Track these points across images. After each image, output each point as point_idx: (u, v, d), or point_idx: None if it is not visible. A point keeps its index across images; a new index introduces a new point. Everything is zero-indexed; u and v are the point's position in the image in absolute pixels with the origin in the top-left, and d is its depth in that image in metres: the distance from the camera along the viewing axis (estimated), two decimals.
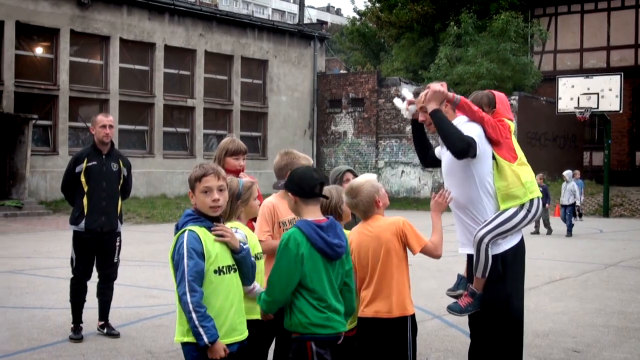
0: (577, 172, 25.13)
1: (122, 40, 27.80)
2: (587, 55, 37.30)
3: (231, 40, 31.61)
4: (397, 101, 5.20)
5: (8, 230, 19.29)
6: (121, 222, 7.79)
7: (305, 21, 38.90)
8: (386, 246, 4.46)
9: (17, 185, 24.14)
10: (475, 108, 4.79)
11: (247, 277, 4.09)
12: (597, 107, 26.20)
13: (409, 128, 32.45)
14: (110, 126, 7.61)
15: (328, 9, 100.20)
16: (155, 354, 6.85)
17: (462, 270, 5.12)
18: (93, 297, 7.66)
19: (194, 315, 3.74)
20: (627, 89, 31.14)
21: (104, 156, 7.60)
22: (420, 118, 5.01)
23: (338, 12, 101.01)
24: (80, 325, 7.42)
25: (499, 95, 5.12)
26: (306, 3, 41.19)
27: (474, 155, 4.69)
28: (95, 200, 7.48)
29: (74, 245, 7.56)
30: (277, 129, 33.64)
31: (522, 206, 4.81)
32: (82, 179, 7.50)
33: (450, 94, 4.75)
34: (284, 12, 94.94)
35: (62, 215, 22.08)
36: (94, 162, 7.53)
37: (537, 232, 19.85)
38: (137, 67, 28.71)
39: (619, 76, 26.55)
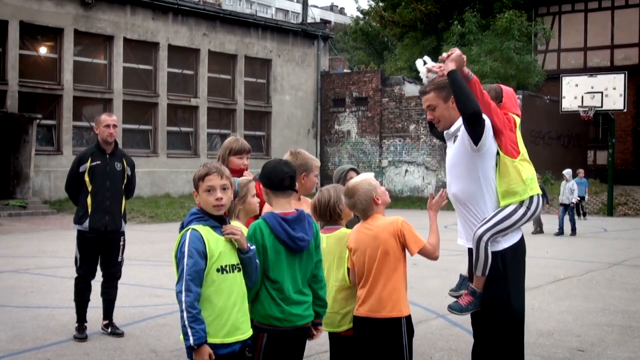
0: (581, 171, 25.14)
1: (125, 39, 27.83)
2: (591, 54, 37.25)
3: (235, 40, 31.62)
4: (419, 63, 5.15)
5: (12, 229, 19.33)
6: (125, 222, 7.80)
7: (309, 20, 38.90)
8: (383, 246, 4.44)
9: (22, 185, 24.19)
10: (485, 92, 4.77)
11: (250, 277, 4.09)
12: (601, 106, 26.15)
13: (412, 127, 32.56)
14: (114, 126, 7.62)
15: (331, 8, 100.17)
16: (160, 353, 6.86)
17: (465, 270, 5.11)
18: (97, 296, 7.67)
19: (185, 315, 3.76)
20: (631, 87, 31.10)
21: (107, 156, 7.61)
22: (430, 79, 4.99)
23: (341, 11, 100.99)
24: (85, 324, 7.43)
25: (507, 89, 5.07)
26: (310, 2, 41.18)
27: (478, 137, 4.63)
28: (99, 200, 7.50)
29: (78, 245, 7.58)
30: (280, 128, 33.65)
31: (521, 203, 4.77)
32: (86, 179, 7.51)
33: (466, 69, 4.74)
34: (287, 11, 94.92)
35: (66, 214, 22.12)
36: (97, 162, 7.54)
37: (541, 231, 19.80)
38: (141, 66, 28.74)
39: (623, 75, 26.49)
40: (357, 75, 35.41)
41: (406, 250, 4.51)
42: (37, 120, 24.18)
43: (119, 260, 7.72)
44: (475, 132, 4.64)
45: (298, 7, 74.38)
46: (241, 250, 4.00)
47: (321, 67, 35.45)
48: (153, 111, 29.06)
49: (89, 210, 7.48)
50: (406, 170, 32.89)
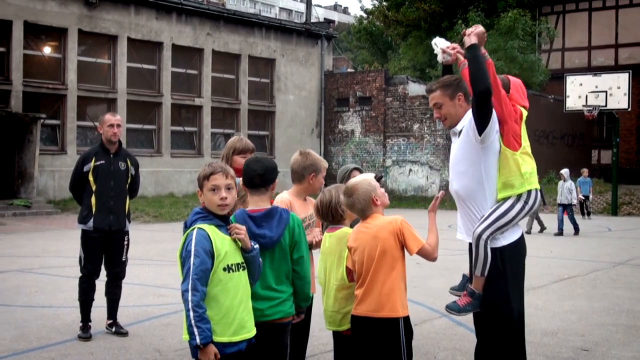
0: (585, 170, 25.09)
1: (129, 39, 27.86)
2: (595, 53, 37.21)
3: (238, 39, 31.63)
4: (435, 43, 5.16)
5: (17, 229, 19.36)
6: (129, 221, 7.81)
7: (313, 20, 38.88)
8: (382, 245, 4.41)
9: (26, 185, 24.23)
10: (498, 78, 4.75)
11: (252, 276, 4.10)
12: (606, 105, 26.11)
13: (416, 127, 32.54)
14: (118, 125, 7.63)
15: (335, 7, 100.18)
16: (164, 352, 6.87)
17: (468, 270, 5.10)
18: (101, 295, 7.68)
19: (191, 314, 3.76)
20: (635, 86, 31.02)
21: (112, 155, 7.62)
22: (446, 59, 5.02)
23: (345, 10, 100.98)
24: (89, 324, 7.44)
25: (515, 80, 5.03)
26: (313, 2, 41.18)
27: (484, 125, 4.62)
28: (104, 199, 7.51)
29: (82, 244, 7.59)
30: (284, 127, 33.66)
31: (518, 197, 4.75)
32: (90, 178, 7.52)
33: (483, 49, 4.73)
34: (291, 10, 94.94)
35: (71, 214, 22.16)
36: (102, 161, 7.55)
37: (543, 227, 19.75)
38: (145, 66, 28.77)
39: (627, 74, 26.45)
40: (361, 75, 35.40)
41: (405, 250, 4.49)
42: (42, 120, 24.21)
43: (123, 259, 7.73)
44: (482, 115, 4.64)
45: (302, 7, 74.40)
46: (245, 250, 4.01)
47: (325, 67, 35.45)
48: (157, 111, 29.09)
49: (93, 209, 7.49)
50: (410, 170, 32.88)
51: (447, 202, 22.89)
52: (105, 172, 7.55)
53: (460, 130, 4.86)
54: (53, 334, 7.56)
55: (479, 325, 4.97)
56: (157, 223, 22.06)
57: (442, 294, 9.82)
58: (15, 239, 16.92)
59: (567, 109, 27.53)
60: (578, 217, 24.13)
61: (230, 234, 3.99)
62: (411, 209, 27.10)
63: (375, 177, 4.72)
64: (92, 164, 7.53)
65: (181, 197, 27.86)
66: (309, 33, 34.77)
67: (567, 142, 35.58)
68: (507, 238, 4.79)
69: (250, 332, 4.02)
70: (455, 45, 5.03)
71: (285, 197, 5.20)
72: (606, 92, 26.08)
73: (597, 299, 9.87)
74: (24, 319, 8.23)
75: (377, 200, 4.53)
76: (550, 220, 20.76)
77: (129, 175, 7.76)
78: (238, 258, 4.00)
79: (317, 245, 4.98)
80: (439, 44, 5.08)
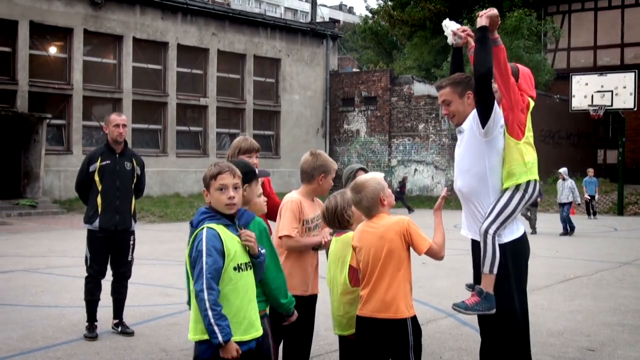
0: (591, 170, 25.04)
1: (135, 39, 27.90)
2: (601, 52, 37.13)
3: (244, 39, 31.66)
4: (447, 23, 5.15)
5: (23, 229, 19.40)
6: (135, 221, 7.81)
7: (318, 20, 38.92)
8: (389, 246, 4.38)
9: (32, 185, 24.29)
10: (509, 65, 4.72)
11: (256, 278, 4.12)
12: (611, 105, 26.06)
13: (421, 126, 32.52)
14: (124, 125, 7.63)
15: (340, 7, 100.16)
16: (170, 352, 6.87)
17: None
18: (107, 295, 7.68)
19: (210, 313, 3.75)
20: None
21: (117, 155, 7.62)
22: (457, 42, 5.03)
23: (350, 10, 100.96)
24: (95, 323, 7.45)
25: (524, 69, 5.00)
26: (318, 1, 41.19)
27: (486, 116, 4.61)
28: (109, 199, 7.51)
29: (88, 244, 7.59)
30: (289, 127, 33.68)
31: (517, 188, 4.74)
32: (96, 178, 7.53)
33: (497, 35, 4.72)
34: (296, 10, 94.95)
35: (76, 214, 22.20)
36: (107, 161, 7.56)
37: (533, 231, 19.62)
38: (150, 66, 28.81)
39: (633, 73, 26.39)
40: (366, 75, 35.40)
41: (411, 250, 4.48)
42: (47, 120, 24.27)
43: (129, 259, 7.73)
44: (481, 100, 4.64)
45: (307, 7, 74.40)
46: (253, 255, 4.02)
47: (330, 67, 35.46)
48: (162, 111, 29.13)
49: (99, 209, 7.50)
50: (415, 170, 32.86)
51: (453, 201, 22.90)
52: (111, 172, 7.55)
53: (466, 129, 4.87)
54: (59, 333, 7.57)
55: (483, 325, 4.96)
56: (162, 223, 22.09)
57: (447, 293, 9.81)
58: (21, 239, 16.96)
59: (572, 109, 27.48)
60: (584, 217, 24.14)
61: (240, 239, 3.99)
62: (417, 209, 27.09)
63: (403, 180, 4.70)
64: (97, 164, 7.53)
65: (186, 197, 27.89)
66: (314, 33, 34.78)
67: (573, 141, 35.52)
68: (509, 235, 4.78)
69: (259, 330, 4.03)
70: (465, 27, 5.03)
71: (294, 196, 5.19)
72: (612, 91, 26.03)
73: (603, 299, 9.85)
74: (30, 318, 8.24)
75: (384, 199, 4.50)
76: (550, 220, 20.68)
77: (135, 175, 7.77)
78: (246, 257, 4.02)
79: (326, 245, 4.97)
80: (449, 26, 5.07)
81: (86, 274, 7.59)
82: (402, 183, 28.74)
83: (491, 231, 4.69)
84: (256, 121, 32.42)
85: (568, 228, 19.14)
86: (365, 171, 5.81)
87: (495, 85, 4.80)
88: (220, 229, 3.92)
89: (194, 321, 3.92)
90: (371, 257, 4.43)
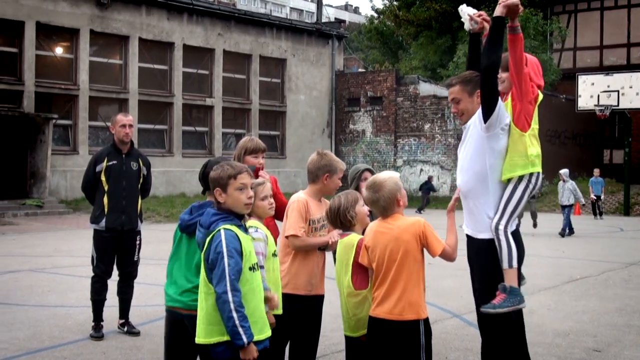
0: (597, 170, 25.00)
1: (141, 39, 27.95)
2: (607, 52, 37.02)
3: (249, 40, 31.68)
4: (463, 8, 5.12)
5: (29, 229, 19.45)
6: (141, 221, 7.82)
7: (323, 20, 38.90)
8: (405, 247, 4.36)
9: (38, 185, 24.35)
10: (525, 55, 4.68)
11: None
12: (618, 105, 26.01)
13: (427, 126, 32.50)
14: (130, 125, 7.65)
15: (346, 7, 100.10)
16: None
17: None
18: (113, 295, 7.70)
19: (235, 315, 3.75)
20: None
21: (124, 155, 7.64)
22: (474, 27, 4.99)
23: (356, 10, 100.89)
24: (101, 323, 7.46)
25: (531, 58, 4.93)
26: (324, 2, 41.17)
27: (489, 110, 4.59)
28: (116, 199, 7.53)
29: (94, 244, 7.61)
30: (295, 127, 33.69)
31: (520, 179, 4.71)
32: (103, 178, 7.55)
33: (518, 22, 4.66)
34: (302, 10, 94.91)
35: (83, 214, 22.24)
36: (114, 162, 7.57)
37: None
38: (156, 66, 28.85)
39: (639, 73, 26.33)
40: (372, 75, 35.39)
41: (424, 251, 4.46)
42: (53, 120, 24.33)
43: (135, 259, 7.75)
44: (486, 93, 4.61)
45: (312, 7, 74.35)
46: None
47: (336, 67, 35.46)
48: (168, 111, 29.17)
49: (106, 209, 7.51)
50: (421, 170, 32.84)
51: (459, 202, 22.86)
52: (118, 172, 7.57)
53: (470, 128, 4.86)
54: (65, 333, 7.59)
55: (482, 324, 4.95)
56: (168, 223, 22.10)
57: (453, 294, 9.80)
58: (27, 239, 17.00)
59: (578, 109, 27.44)
60: (590, 217, 24.10)
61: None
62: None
63: (428, 179, 4.69)
64: (104, 164, 7.55)
65: (192, 197, 27.90)
66: (320, 33, 34.79)
67: (579, 142, 35.44)
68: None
69: (269, 329, 4.06)
70: (482, 12, 4.98)
71: (301, 196, 5.19)
72: (618, 91, 25.99)
73: (609, 299, 9.83)
74: (37, 318, 8.26)
75: (400, 200, 4.48)
76: (555, 220, 20.61)
77: (141, 175, 7.78)
78: (255, 258, 4.03)
79: (333, 246, 4.95)
80: (466, 10, 5.03)
81: (92, 274, 7.61)
82: (429, 183, 28.79)
83: (501, 226, 4.65)
84: (262, 121, 32.45)
85: (567, 229, 18.99)
86: (371, 171, 5.79)
87: (503, 75, 4.78)
88: (236, 230, 3.92)
89: (207, 323, 3.90)
90: (386, 257, 4.40)
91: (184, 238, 4.41)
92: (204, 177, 4.47)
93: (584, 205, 20.38)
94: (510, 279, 4.64)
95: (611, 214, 26.82)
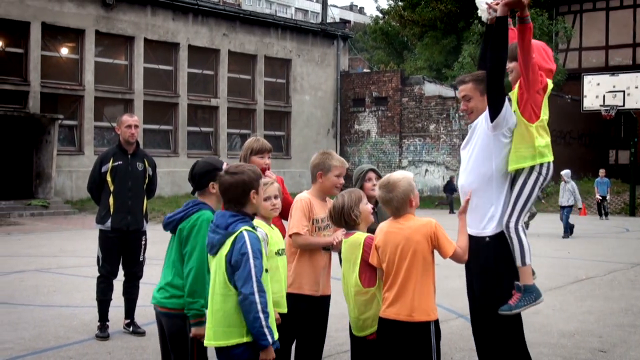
0: (603, 170, 24.94)
1: (146, 40, 27.99)
2: (613, 52, 36.97)
3: (254, 40, 31.69)
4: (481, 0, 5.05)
5: (35, 229, 19.48)
6: (147, 221, 7.83)
7: (328, 20, 38.90)
8: (415, 248, 4.32)
9: (44, 185, 24.40)
10: (533, 43, 4.60)
11: None
12: (623, 105, 25.96)
13: (432, 127, 32.48)
14: (136, 126, 7.66)
15: (351, 7, 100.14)
16: None
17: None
18: (119, 295, 7.71)
19: (261, 316, 3.76)
20: None
21: (129, 156, 7.65)
22: (491, 16, 4.90)
23: (361, 10, 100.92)
24: (107, 323, 7.47)
25: (537, 43, 4.82)
26: (329, 2, 41.17)
27: (497, 109, 4.58)
28: (121, 200, 7.54)
29: (100, 244, 7.62)
30: (300, 128, 33.70)
31: (530, 170, 4.65)
32: (108, 179, 7.56)
33: (527, 12, 4.59)
34: (307, 11, 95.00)
35: (88, 214, 22.27)
36: (119, 162, 7.59)
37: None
38: (162, 67, 28.89)
39: None
40: (377, 75, 35.39)
41: (435, 252, 4.44)
42: (59, 121, 24.38)
43: (141, 259, 7.75)
44: (492, 91, 4.60)
45: (317, 7, 74.43)
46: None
47: (341, 67, 35.46)
48: (173, 111, 29.20)
49: (111, 210, 7.52)
50: (426, 170, 32.82)
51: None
52: (123, 172, 7.58)
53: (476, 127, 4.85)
54: (71, 333, 7.60)
55: (476, 325, 4.93)
56: None
57: (459, 294, 9.76)
58: (33, 239, 17.03)
59: (584, 109, 27.39)
60: (596, 218, 24.05)
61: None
62: (427, 209, 27.03)
63: (450, 179, 4.67)
64: (110, 164, 7.56)
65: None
66: (325, 33, 34.79)
67: (585, 142, 35.39)
68: (497, 228, 4.71)
69: (276, 330, 4.07)
70: (499, 0, 4.78)
71: (304, 196, 5.21)
72: (624, 91, 25.93)
73: (615, 300, 9.81)
74: (42, 318, 8.28)
75: (413, 200, 4.45)
76: (556, 221, 20.54)
77: (147, 175, 7.79)
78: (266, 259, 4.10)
79: (337, 247, 4.94)
80: (482, 2, 4.93)
81: (98, 274, 7.62)
82: (452, 184, 28.65)
83: (512, 224, 4.62)
84: (267, 122, 32.46)
85: (568, 230, 18.95)
86: (376, 172, 5.78)
87: (510, 65, 4.75)
88: (254, 232, 3.96)
89: (226, 325, 3.87)
90: (397, 258, 4.37)
91: (173, 237, 4.53)
92: (192, 177, 4.60)
93: (579, 209, 20.21)
94: (524, 277, 4.61)
95: (617, 214, 26.77)
